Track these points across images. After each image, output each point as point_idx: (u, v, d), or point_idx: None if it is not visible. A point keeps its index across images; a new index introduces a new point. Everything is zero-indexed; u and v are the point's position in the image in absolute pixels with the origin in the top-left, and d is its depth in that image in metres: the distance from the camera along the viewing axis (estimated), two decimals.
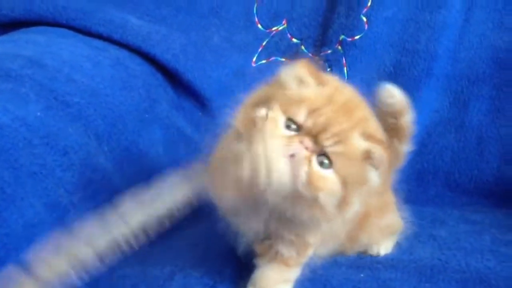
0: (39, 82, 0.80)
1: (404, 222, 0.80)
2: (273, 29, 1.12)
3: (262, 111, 0.58)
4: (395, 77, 1.07)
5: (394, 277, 0.72)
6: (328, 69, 1.07)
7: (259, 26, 1.11)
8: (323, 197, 0.57)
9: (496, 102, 1.05)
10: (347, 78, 1.05)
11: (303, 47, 1.11)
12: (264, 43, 1.11)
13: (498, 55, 1.06)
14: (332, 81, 0.63)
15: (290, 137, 0.57)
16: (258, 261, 0.69)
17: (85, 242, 0.59)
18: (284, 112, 0.58)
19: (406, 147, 0.74)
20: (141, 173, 0.90)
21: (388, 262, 0.75)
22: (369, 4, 1.06)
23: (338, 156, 0.57)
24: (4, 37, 0.98)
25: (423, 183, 1.04)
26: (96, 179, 0.79)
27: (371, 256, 0.77)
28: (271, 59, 1.12)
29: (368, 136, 0.58)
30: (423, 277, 0.71)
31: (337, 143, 0.57)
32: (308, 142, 0.56)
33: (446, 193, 1.04)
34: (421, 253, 0.78)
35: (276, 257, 0.67)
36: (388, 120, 0.70)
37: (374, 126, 0.61)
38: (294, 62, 0.61)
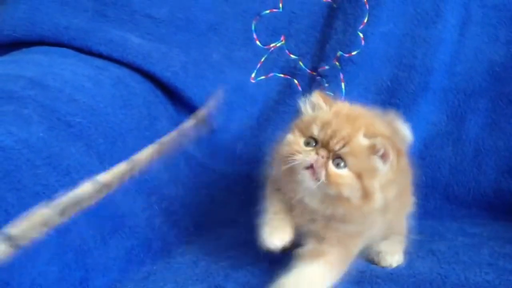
0: (42, 103, 0.81)
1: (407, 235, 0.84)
2: (272, 45, 1.13)
3: (289, 136, 0.73)
4: (392, 92, 1.08)
5: None
6: (326, 85, 1.08)
7: (258, 42, 1.13)
8: (344, 191, 0.69)
9: (493, 115, 1.07)
10: (344, 94, 1.07)
11: (301, 63, 1.13)
12: (262, 59, 1.13)
13: (494, 68, 1.07)
14: (340, 103, 0.77)
15: (309, 151, 0.70)
16: (298, 263, 0.72)
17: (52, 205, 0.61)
18: (303, 133, 0.72)
19: None
20: (142, 190, 0.91)
21: (387, 277, 0.76)
22: (365, 20, 1.07)
23: (349, 156, 0.69)
24: (6, 58, 0.99)
25: (422, 196, 1.04)
26: None
27: (382, 268, 0.79)
28: (269, 75, 1.13)
29: (370, 134, 0.70)
30: None
31: (344, 145, 0.69)
32: (322, 151, 0.70)
33: (445, 206, 1.05)
34: (420, 268, 0.79)
35: (318, 256, 0.72)
36: None
37: (378, 127, 0.72)
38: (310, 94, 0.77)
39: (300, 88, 1.12)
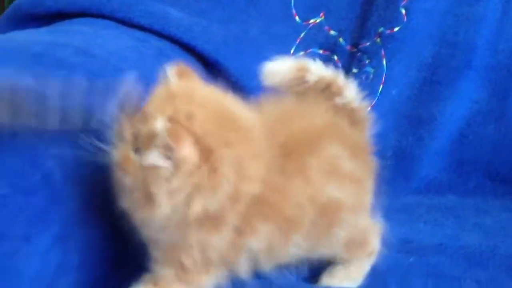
0: (90, 70, 0.81)
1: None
2: (311, 21, 1.12)
3: None
4: (434, 69, 1.07)
5: (443, 262, 0.72)
6: (367, 61, 1.08)
7: (297, 18, 1.12)
8: (125, 179, 0.57)
9: None
10: (386, 70, 1.06)
11: (341, 39, 1.12)
12: (301, 35, 1.12)
13: None
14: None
15: None
16: None
17: None
18: None
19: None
20: None
21: (435, 248, 0.76)
22: None
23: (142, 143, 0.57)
24: (51, 28, 0.99)
25: (463, 173, 1.04)
26: None
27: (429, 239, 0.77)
28: (308, 51, 1.12)
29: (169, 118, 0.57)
30: (472, 262, 0.72)
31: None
32: None
33: (486, 183, 1.04)
34: (468, 240, 0.78)
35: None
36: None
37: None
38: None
39: (339, 64, 1.11)
